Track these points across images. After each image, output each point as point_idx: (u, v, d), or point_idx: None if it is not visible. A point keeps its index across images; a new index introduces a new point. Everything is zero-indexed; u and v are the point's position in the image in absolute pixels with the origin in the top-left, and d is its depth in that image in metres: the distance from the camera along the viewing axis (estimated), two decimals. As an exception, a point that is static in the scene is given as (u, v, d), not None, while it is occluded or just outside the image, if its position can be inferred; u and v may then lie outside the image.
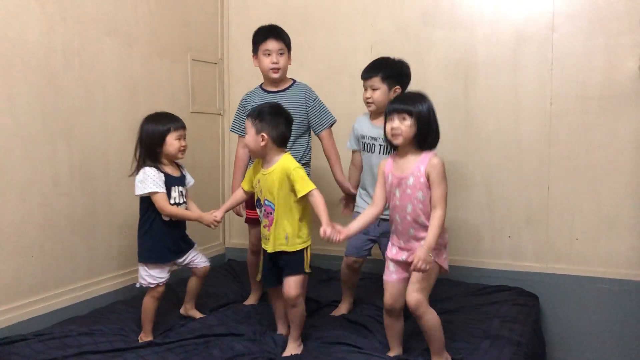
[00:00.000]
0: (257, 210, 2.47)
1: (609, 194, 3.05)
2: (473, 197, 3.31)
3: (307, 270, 2.39)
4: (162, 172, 2.48)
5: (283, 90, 2.87)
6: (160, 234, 2.50)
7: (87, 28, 2.83)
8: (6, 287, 2.49)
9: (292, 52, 2.89)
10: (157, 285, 2.49)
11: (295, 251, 2.36)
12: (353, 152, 2.87)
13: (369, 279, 3.17)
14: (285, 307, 2.43)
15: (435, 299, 2.46)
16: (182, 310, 2.76)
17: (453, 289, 3.11)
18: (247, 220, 2.99)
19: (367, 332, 2.55)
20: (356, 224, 2.29)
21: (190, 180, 2.64)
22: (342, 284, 2.89)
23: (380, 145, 2.67)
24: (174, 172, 2.55)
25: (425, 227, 2.15)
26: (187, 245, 2.62)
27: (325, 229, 2.17)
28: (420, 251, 2.06)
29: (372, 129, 2.71)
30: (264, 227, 2.41)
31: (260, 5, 3.77)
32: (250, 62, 2.93)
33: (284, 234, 2.35)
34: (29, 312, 2.56)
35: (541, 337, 2.98)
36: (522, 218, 3.23)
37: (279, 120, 2.35)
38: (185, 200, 2.57)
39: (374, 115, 2.73)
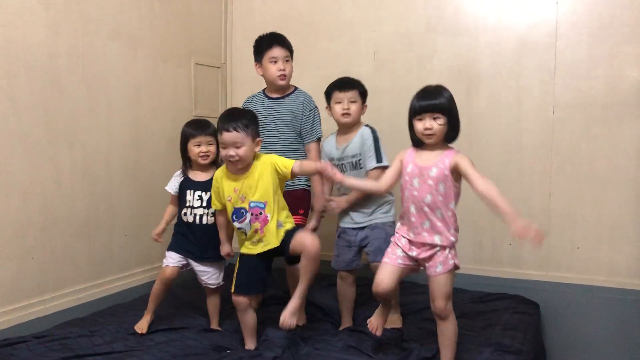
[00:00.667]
0: (236, 223, 2.38)
1: (611, 203, 3.04)
2: (474, 205, 3.29)
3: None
4: (184, 175, 2.64)
5: (284, 97, 2.88)
6: (176, 230, 2.67)
7: (91, 31, 2.84)
8: (6, 289, 2.49)
9: (295, 58, 2.90)
10: (166, 266, 2.59)
11: (290, 229, 2.39)
12: None
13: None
14: (305, 261, 2.31)
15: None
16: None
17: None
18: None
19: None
20: (354, 180, 2.37)
21: None
22: (339, 301, 2.82)
23: (349, 163, 2.70)
24: (200, 177, 2.63)
25: (443, 219, 2.14)
26: (201, 253, 2.62)
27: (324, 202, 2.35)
28: (520, 221, 1.98)
29: (336, 151, 2.73)
30: (256, 231, 2.35)
31: (264, 10, 3.78)
32: (253, 66, 2.93)
33: (276, 224, 2.36)
34: (29, 314, 2.56)
35: (542, 345, 2.97)
36: (524, 226, 3.22)
37: (255, 121, 2.42)
38: (205, 205, 2.58)
39: (342, 131, 2.74)
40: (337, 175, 2.26)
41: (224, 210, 2.45)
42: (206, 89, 3.71)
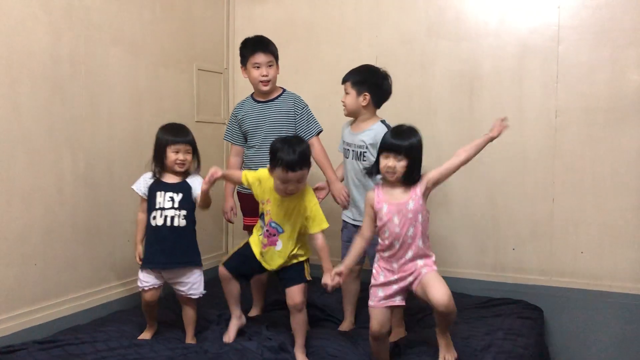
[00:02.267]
0: (260, 221, 2.50)
1: (615, 207, 3.03)
2: (477, 209, 3.30)
3: (308, 278, 2.47)
4: (155, 177, 2.57)
5: (273, 100, 2.90)
6: (145, 240, 2.58)
7: (93, 37, 2.84)
8: (8, 295, 2.49)
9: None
10: (142, 289, 2.53)
11: (296, 262, 2.44)
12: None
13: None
14: (291, 315, 2.44)
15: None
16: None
17: (457, 301, 3.03)
18: (246, 228, 2.98)
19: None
20: (349, 260, 2.35)
21: (195, 190, 2.56)
22: (343, 297, 2.87)
23: (353, 151, 2.74)
24: (172, 179, 2.57)
25: (424, 243, 2.23)
26: (168, 259, 2.51)
27: (326, 281, 2.30)
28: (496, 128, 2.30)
29: (349, 136, 2.79)
30: (262, 241, 2.47)
31: (266, 16, 3.78)
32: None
33: (287, 254, 2.43)
34: (31, 321, 2.56)
35: (545, 350, 2.96)
36: (527, 231, 3.21)
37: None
38: (177, 206, 2.50)
39: (354, 122, 2.81)
40: (341, 279, 2.32)
41: (241, 184, 2.61)
42: (208, 94, 3.71)
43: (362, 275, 2.85)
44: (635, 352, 2.98)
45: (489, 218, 3.29)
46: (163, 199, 2.52)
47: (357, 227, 2.70)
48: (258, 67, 2.84)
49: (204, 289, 2.58)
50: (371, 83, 2.71)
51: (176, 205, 2.51)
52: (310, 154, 2.41)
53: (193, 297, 2.55)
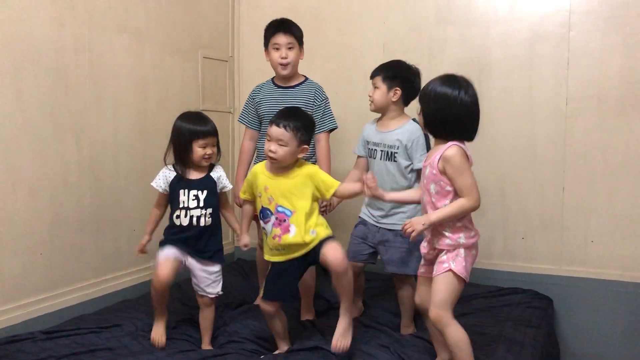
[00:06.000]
0: (262, 221, 2.30)
1: (626, 196, 2.99)
2: (486, 198, 3.22)
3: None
4: (176, 172, 2.41)
5: (294, 87, 2.84)
6: (168, 236, 2.44)
7: (98, 25, 2.81)
8: (14, 285, 2.48)
9: (303, 51, 2.86)
10: (160, 267, 2.34)
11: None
12: (358, 157, 2.78)
13: (382, 280, 3.14)
14: (336, 278, 2.21)
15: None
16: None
17: (466, 291, 3.01)
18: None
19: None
20: (394, 195, 2.29)
21: (225, 184, 2.48)
22: None
23: (382, 152, 2.61)
24: (195, 175, 2.42)
25: (435, 229, 2.05)
26: (192, 250, 2.41)
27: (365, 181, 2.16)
28: (417, 218, 2.02)
29: (376, 135, 2.65)
30: (274, 237, 2.25)
31: (271, 3, 3.74)
32: (261, 59, 2.90)
33: (308, 233, 2.22)
34: (37, 310, 2.55)
35: (555, 340, 2.93)
36: (537, 220, 3.18)
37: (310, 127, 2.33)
38: (202, 205, 2.39)
39: (380, 119, 2.68)
40: (379, 191, 2.18)
41: (253, 201, 2.38)
42: (214, 82, 3.68)
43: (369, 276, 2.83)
44: (646, 343, 2.96)
45: (499, 207, 3.25)
46: (187, 197, 2.38)
47: (377, 228, 2.63)
48: (277, 49, 2.77)
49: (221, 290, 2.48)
50: (403, 78, 2.60)
51: (201, 204, 2.38)
52: (308, 125, 2.30)
53: (210, 295, 2.43)
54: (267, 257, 2.33)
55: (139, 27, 3.06)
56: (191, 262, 2.42)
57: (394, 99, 2.58)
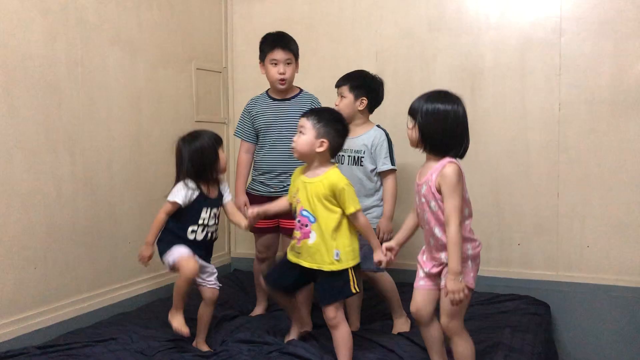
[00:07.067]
0: (295, 220, 2.32)
1: (620, 200, 3.00)
2: (482, 205, 3.26)
3: (354, 290, 2.22)
4: (200, 189, 2.44)
5: (289, 99, 2.85)
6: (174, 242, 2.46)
7: (90, 37, 2.81)
8: (8, 300, 2.46)
9: (299, 64, 2.88)
10: (187, 260, 2.38)
11: (340, 270, 2.20)
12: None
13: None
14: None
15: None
16: (194, 344, 2.54)
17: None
18: (254, 229, 2.94)
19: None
20: (401, 234, 2.20)
21: (230, 196, 2.58)
22: (346, 302, 2.80)
23: (349, 157, 2.70)
24: (213, 193, 2.50)
25: (441, 240, 2.02)
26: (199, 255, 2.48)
27: (379, 258, 2.18)
28: (449, 283, 1.93)
29: None
30: (293, 238, 2.29)
31: (264, 14, 3.75)
32: (254, 70, 2.90)
33: (332, 251, 2.19)
34: (31, 325, 2.53)
35: (553, 346, 2.93)
36: (532, 225, 3.18)
37: (340, 129, 2.26)
38: (217, 221, 2.51)
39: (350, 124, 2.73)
40: (394, 254, 2.19)
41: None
42: (207, 94, 3.68)
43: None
44: (644, 347, 2.95)
45: (494, 213, 3.25)
46: (208, 215, 2.46)
47: None
48: (275, 64, 2.79)
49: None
50: (369, 88, 2.72)
51: (217, 220, 2.52)
52: (329, 122, 2.24)
53: (217, 287, 2.52)
54: (288, 253, 2.36)
55: (132, 39, 3.06)
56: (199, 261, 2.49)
57: (360, 108, 2.71)
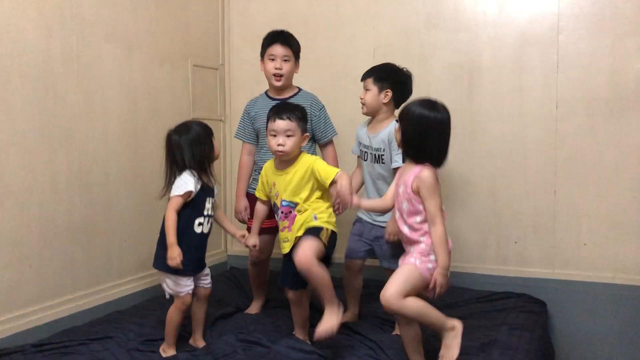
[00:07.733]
0: (275, 216, 2.43)
1: (617, 198, 3.00)
2: (478, 203, 3.27)
3: (324, 241, 2.27)
4: (202, 180, 2.37)
5: (288, 99, 2.83)
6: (188, 242, 2.35)
7: (86, 34, 2.80)
8: (3, 297, 2.45)
9: (299, 65, 2.87)
10: (187, 294, 2.35)
11: (317, 225, 2.30)
12: (358, 157, 2.83)
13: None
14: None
15: (441, 305, 2.40)
16: (191, 341, 2.52)
17: (459, 296, 3.06)
18: (249, 230, 2.93)
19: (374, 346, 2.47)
20: (367, 202, 2.43)
21: (215, 189, 2.51)
22: (345, 291, 2.83)
23: (371, 154, 2.68)
24: (209, 181, 2.43)
25: (408, 239, 2.14)
26: (203, 262, 2.47)
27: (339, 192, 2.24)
28: (439, 277, 2.07)
29: (366, 138, 2.72)
30: (282, 229, 2.38)
31: (261, 11, 3.73)
32: (251, 67, 2.89)
33: (310, 216, 2.31)
34: (27, 323, 2.52)
35: (550, 344, 2.93)
36: (529, 223, 3.17)
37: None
38: (212, 212, 2.46)
39: (371, 122, 2.73)
40: (355, 200, 2.27)
41: (268, 201, 2.49)
42: (204, 91, 3.67)
43: (365, 272, 2.84)
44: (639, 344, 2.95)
45: (491, 211, 3.25)
46: (211, 205, 2.42)
47: (372, 225, 2.69)
48: (273, 60, 2.78)
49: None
50: (395, 80, 2.65)
51: (213, 210, 2.46)
52: (305, 115, 2.42)
53: (206, 285, 2.47)
54: (282, 250, 2.42)
55: (128, 35, 3.05)
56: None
57: (384, 101, 2.64)
